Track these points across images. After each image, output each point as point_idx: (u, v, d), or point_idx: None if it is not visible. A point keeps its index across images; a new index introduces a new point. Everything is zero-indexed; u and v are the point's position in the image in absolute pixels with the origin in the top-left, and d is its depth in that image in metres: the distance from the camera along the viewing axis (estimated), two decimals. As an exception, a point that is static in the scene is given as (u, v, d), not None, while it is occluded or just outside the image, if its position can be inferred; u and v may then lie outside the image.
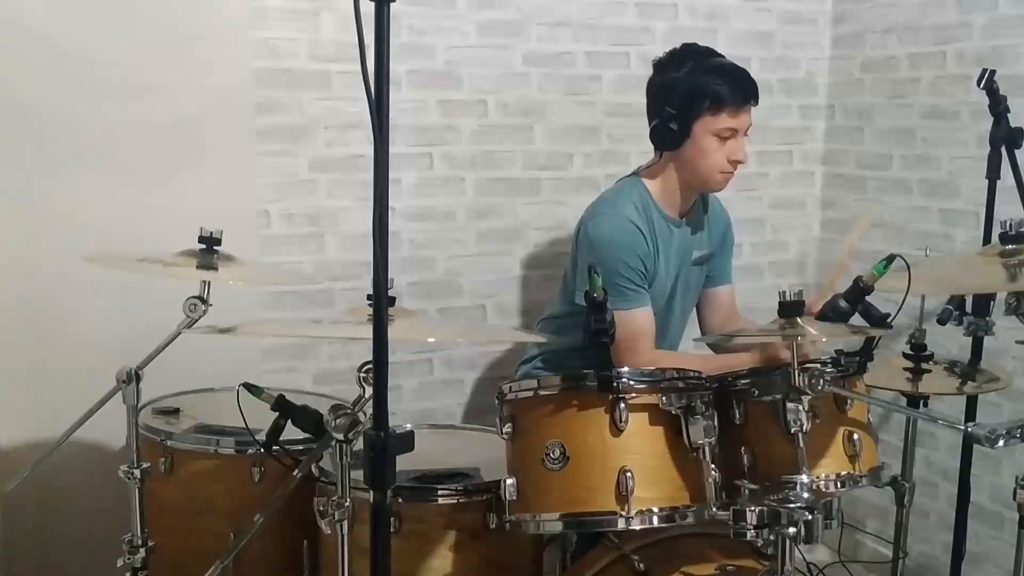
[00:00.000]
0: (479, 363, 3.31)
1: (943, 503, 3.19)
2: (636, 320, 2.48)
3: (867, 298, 2.00)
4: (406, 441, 1.60)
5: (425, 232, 3.21)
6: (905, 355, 2.46)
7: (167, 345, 2.15)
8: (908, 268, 1.93)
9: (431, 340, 3.12)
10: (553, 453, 1.91)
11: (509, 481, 1.96)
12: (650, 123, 2.59)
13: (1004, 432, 1.77)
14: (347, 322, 2.13)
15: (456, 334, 2.89)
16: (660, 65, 2.59)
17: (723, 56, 2.58)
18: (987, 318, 2.44)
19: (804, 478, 1.85)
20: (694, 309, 2.85)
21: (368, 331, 1.57)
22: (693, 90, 2.48)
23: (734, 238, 2.89)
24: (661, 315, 2.65)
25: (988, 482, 3.01)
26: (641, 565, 2.05)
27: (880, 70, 3.44)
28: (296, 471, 2.04)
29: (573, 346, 2.35)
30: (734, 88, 2.48)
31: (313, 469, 2.11)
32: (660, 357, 2.48)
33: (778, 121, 3.64)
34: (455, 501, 2.12)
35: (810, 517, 1.77)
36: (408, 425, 2.56)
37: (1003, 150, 2.51)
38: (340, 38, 3.00)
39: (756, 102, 2.52)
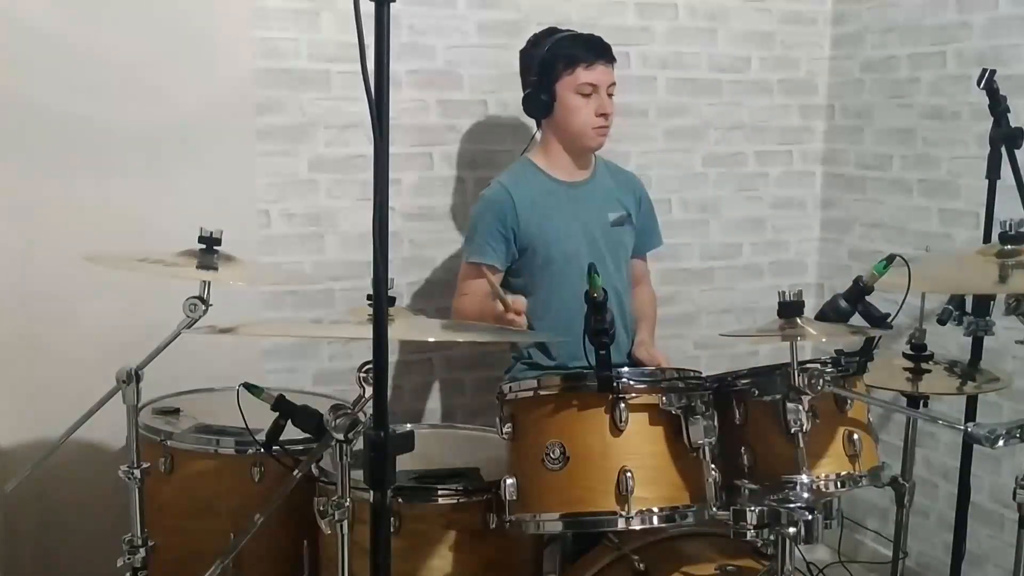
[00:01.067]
0: (479, 363, 3.31)
1: (943, 503, 3.19)
2: (471, 272, 2.75)
3: (867, 298, 2.00)
4: (406, 441, 1.60)
5: (425, 232, 3.21)
6: (905, 355, 2.46)
7: (167, 345, 2.14)
8: (908, 268, 1.93)
9: (431, 340, 3.12)
10: (553, 453, 1.91)
11: (509, 481, 1.96)
12: (522, 99, 2.81)
13: (1004, 432, 1.77)
14: (347, 322, 2.13)
15: (456, 334, 2.89)
16: (522, 51, 2.85)
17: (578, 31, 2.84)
18: (987, 318, 2.44)
19: (804, 478, 1.85)
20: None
21: (368, 331, 1.57)
22: (549, 58, 2.74)
23: (651, 204, 3.03)
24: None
25: (988, 482, 3.01)
26: (641, 565, 2.05)
27: (880, 70, 3.44)
28: (296, 471, 2.04)
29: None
30: (584, 47, 2.75)
31: (313, 469, 2.11)
32: (465, 308, 2.73)
33: (778, 121, 3.64)
34: (455, 501, 2.12)
35: (810, 517, 1.77)
36: (408, 425, 2.56)
37: (1003, 150, 2.51)
38: (340, 38, 3.00)
39: (609, 59, 2.76)
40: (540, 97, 2.74)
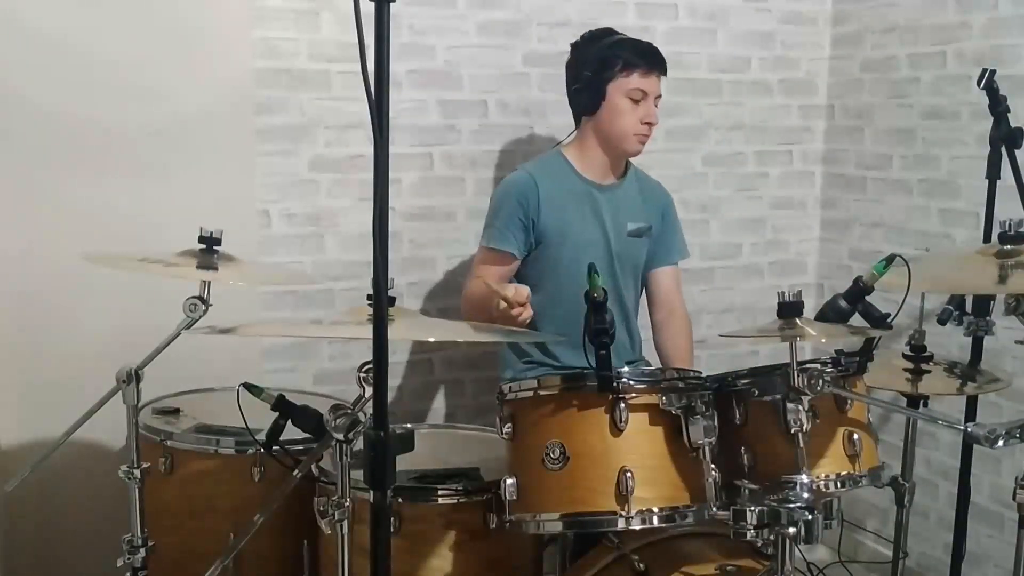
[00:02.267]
0: (479, 363, 3.31)
1: (943, 503, 3.19)
2: (488, 258, 2.74)
3: (867, 298, 2.00)
4: (406, 441, 1.60)
5: (425, 232, 3.21)
6: (905, 355, 2.46)
7: (167, 345, 2.14)
8: (908, 268, 1.93)
9: (431, 340, 3.12)
10: (553, 453, 1.91)
11: (509, 481, 1.96)
12: (569, 92, 2.80)
13: (1004, 432, 1.77)
14: (347, 322, 2.13)
15: (456, 334, 2.89)
16: (576, 45, 2.82)
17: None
18: (987, 318, 2.44)
19: (804, 478, 1.85)
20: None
21: (368, 331, 1.57)
22: (607, 56, 2.72)
23: (676, 216, 2.99)
24: (609, 281, 2.71)
25: (988, 482, 3.01)
26: (641, 565, 2.05)
27: (880, 70, 3.44)
28: (296, 471, 2.04)
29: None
30: (643, 55, 2.74)
31: (313, 469, 2.11)
32: (472, 292, 2.70)
33: (778, 121, 3.64)
34: (455, 501, 2.12)
35: (810, 517, 1.77)
36: (408, 425, 2.56)
37: (1003, 150, 2.51)
38: (340, 38, 3.00)
39: (663, 73, 2.76)
40: (588, 92, 2.72)
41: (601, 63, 2.70)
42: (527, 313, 2.37)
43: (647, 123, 2.72)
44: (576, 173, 2.79)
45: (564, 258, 2.75)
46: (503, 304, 2.35)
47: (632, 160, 2.91)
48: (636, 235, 2.84)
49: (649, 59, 2.72)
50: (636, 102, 2.70)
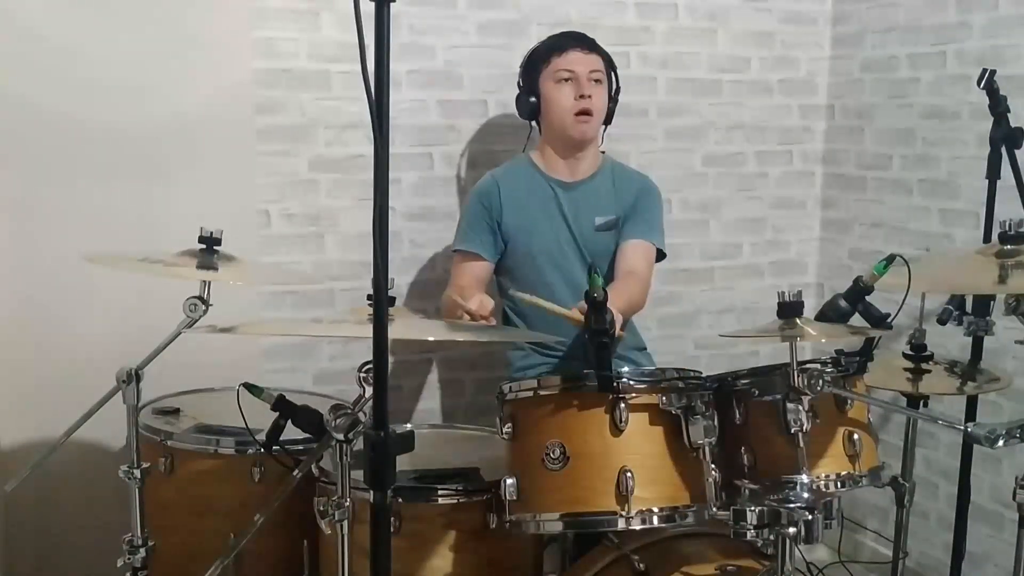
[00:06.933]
0: (479, 363, 3.31)
1: (943, 503, 3.19)
2: (460, 260, 2.80)
3: (867, 298, 2.00)
4: (406, 441, 1.60)
5: (425, 232, 3.21)
6: (905, 355, 2.46)
7: (167, 345, 2.14)
8: (908, 268, 1.93)
9: (431, 340, 3.12)
10: (553, 453, 1.91)
11: (509, 481, 1.96)
12: (518, 109, 2.88)
13: (1004, 432, 1.77)
14: (347, 322, 2.13)
15: (456, 334, 2.89)
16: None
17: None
18: (987, 318, 2.44)
19: (804, 478, 1.86)
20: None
21: (368, 331, 1.57)
22: (530, 62, 2.83)
23: (652, 202, 2.90)
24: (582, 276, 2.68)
25: (988, 482, 3.01)
26: (641, 565, 2.05)
27: (880, 70, 3.44)
28: (296, 471, 2.04)
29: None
30: (557, 38, 2.81)
31: (313, 469, 2.11)
32: (444, 297, 2.71)
33: (778, 121, 3.64)
34: (455, 501, 2.13)
35: (810, 517, 1.77)
36: (408, 425, 2.56)
37: (1003, 150, 2.51)
38: (340, 38, 3.00)
39: (585, 47, 2.77)
40: (528, 99, 2.80)
41: (526, 68, 2.82)
42: (491, 323, 2.44)
43: (581, 96, 2.71)
44: (541, 173, 2.84)
45: (533, 254, 2.79)
46: (467, 317, 2.40)
47: (614, 156, 2.93)
48: (605, 229, 2.83)
49: (562, 39, 2.79)
50: (566, 81, 2.73)
